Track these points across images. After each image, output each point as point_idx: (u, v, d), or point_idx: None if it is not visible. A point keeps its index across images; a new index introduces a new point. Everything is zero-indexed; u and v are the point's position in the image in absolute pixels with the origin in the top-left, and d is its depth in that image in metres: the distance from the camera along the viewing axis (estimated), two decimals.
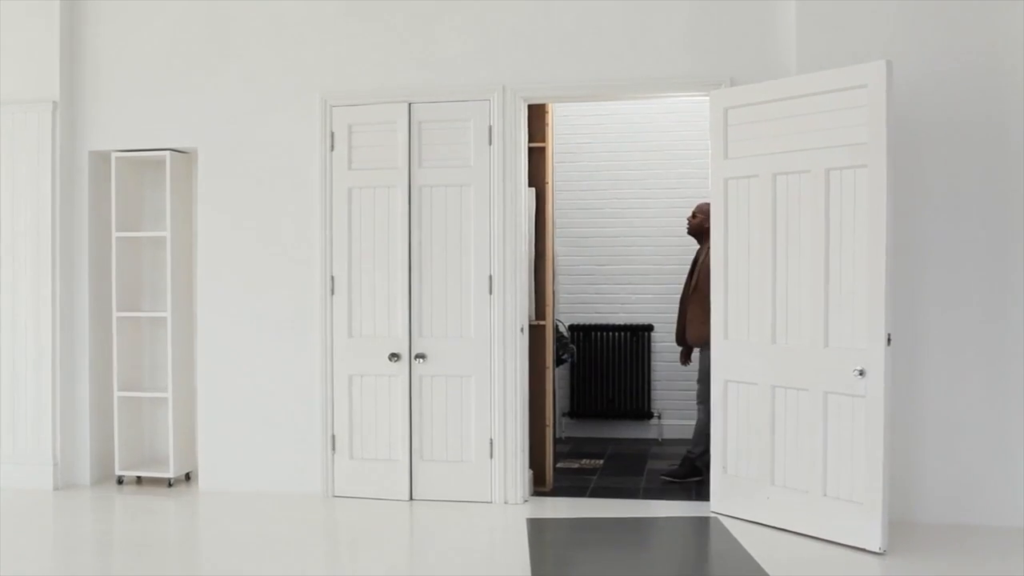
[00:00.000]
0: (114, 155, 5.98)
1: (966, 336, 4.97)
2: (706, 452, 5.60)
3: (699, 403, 6.12)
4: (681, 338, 6.35)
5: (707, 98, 5.35)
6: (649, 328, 7.72)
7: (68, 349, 5.98)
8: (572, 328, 7.77)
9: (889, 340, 4.45)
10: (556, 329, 6.32)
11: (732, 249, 5.13)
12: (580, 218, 7.73)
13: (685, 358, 6.45)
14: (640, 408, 7.73)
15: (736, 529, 4.95)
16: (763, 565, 4.38)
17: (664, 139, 7.70)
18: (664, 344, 7.65)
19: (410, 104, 5.60)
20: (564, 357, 6.94)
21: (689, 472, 6.12)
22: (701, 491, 5.65)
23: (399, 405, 5.63)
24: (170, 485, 5.97)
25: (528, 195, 5.76)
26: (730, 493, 5.17)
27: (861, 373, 4.51)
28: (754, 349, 5.01)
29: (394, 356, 5.61)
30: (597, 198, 7.73)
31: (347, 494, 5.62)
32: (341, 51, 5.72)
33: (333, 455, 5.72)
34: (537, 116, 5.86)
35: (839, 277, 4.65)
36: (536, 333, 5.84)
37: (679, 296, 6.45)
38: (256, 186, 5.82)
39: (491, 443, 5.54)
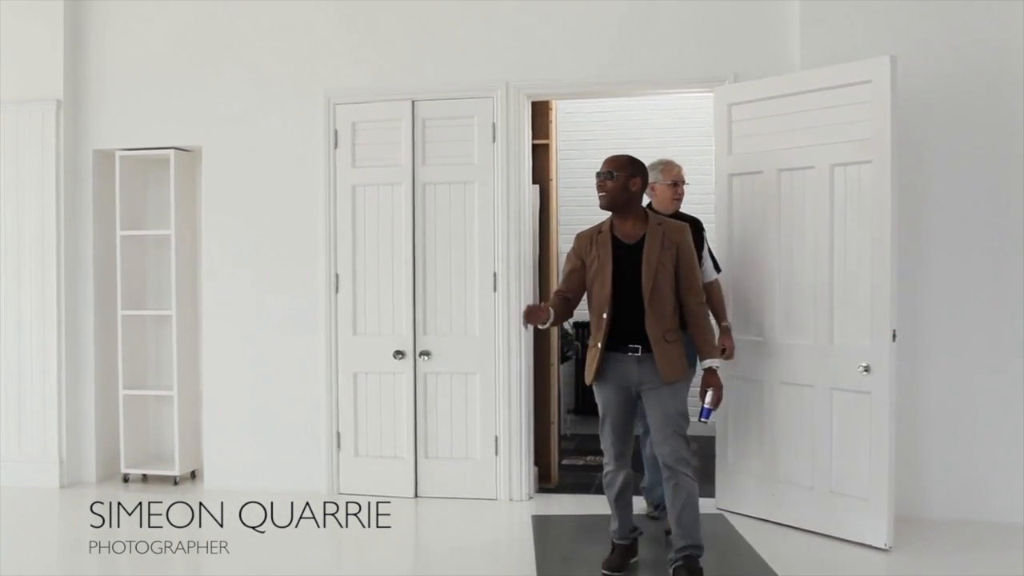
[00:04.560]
0: (118, 154, 5.99)
1: (971, 332, 4.96)
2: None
3: (686, 469, 4.07)
4: (596, 370, 4.23)
5: (711, 94, 5.34)
6: None
7: (73, 347, 5.99)
8: (577, 325, 7.77)
9: (894, 336, 4.45)
10: (561, 327, 6.31)
11: (736, 246, 5.12)
12: (584, 215, 7.67)
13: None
14: None
15: (741, 526, 4.95)
16: (769, 562, 4.38)
17: (667, 135, 7.68)
18: None
19: (413, 101, 5.59)
20: (569, 354, 6.95)
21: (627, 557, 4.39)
22: (706, 488, 5.64)
23: (404, 403, 5.63)
24: (175, 483, 5.98)
25: (532, 192, 5.76)
26: (735, 490, 5.16)
27: (866, 369, 4.50)
28: (759, 346, 5.00)
29: (399, 354, 5.61)
30: None
31: (352, 491, 5.62)
32: (344, 49, 5.72)
33: (338, 453, 5.72)
34: (541, 113, 5.86)
35: (844, 273, 4.65)
36: (541, 330, 5.83)
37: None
38: (260, 184, 5.82)
39: (496, 440, 5.54)
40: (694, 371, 4.34)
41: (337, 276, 5.71)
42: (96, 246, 6.04)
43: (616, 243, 4.16)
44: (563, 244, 7.07)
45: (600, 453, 6.97)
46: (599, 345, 4.16)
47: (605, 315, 4.12)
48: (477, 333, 5.56)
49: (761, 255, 5.00)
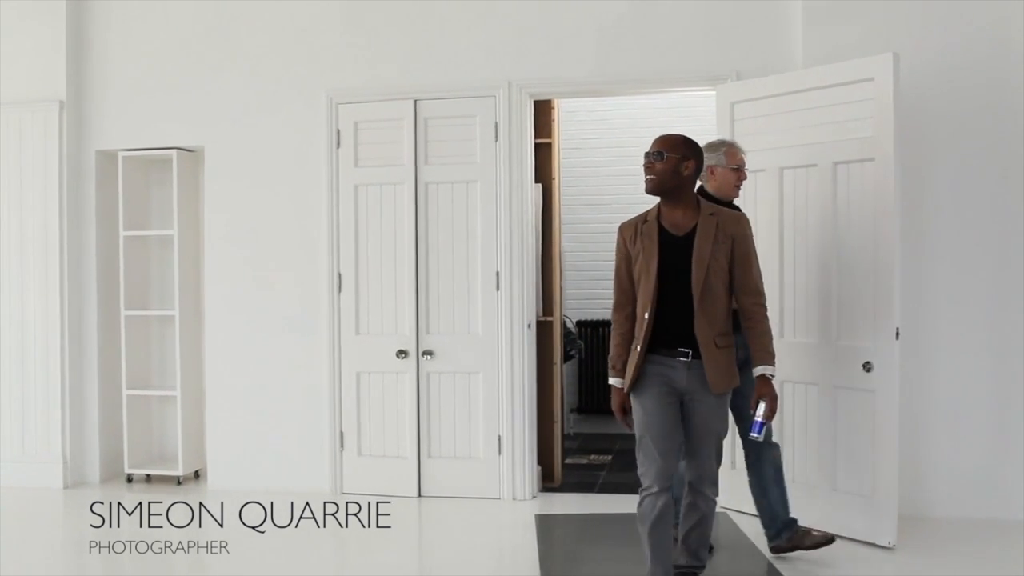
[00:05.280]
0: (121, 154, 5.99)
1: (973, 329, 4.95)
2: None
3: (709, 491, 3.83)
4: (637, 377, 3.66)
5: (713, 93, 5.33)
6: None
7: (77, 348, 6.00)
8: (580, 324, 7.77)
9: (897, 334, 4.44)
10: (564, 325, 6.31)
11: None
12: (587, 213, 7.72)
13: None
14: None
15: (745, 524, 4.94)
16: (772, 560, 4.37)
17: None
18: None
19: (416, 101, 5.59)
20: (572, 353, 6.94)
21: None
22: None
23: (407, 402, 5.63)
24: (179, 483, 5.98)
25: (535, 191, 5.75)
26: (739, 488, 5.14)
27: (869, 368, 4.49)
28: None
29: (401, 353, 5.61)
30: (604, 193, 7.72)
31: (356, 491, 5.62)
32: (346, 48, 5.71)
33: (341, 452, 5.72)
34: (543, 112, 5.85)
35: (847, 271, 4.64)
36: (544, 329, 5.84)
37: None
38: (262, 184, 5.83)
39: (499, 439, 5.54)
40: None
41: (340, 276, 5.71)
42: (99, 247, 6.04)
43: (663, 234, 3.65)
44: (566, 243, 7.10)
45: (604, 451, 7.01)
46: (639, 348, 3.65)
47: (647, 314, 3.62)
48: (480, 332, 5.56)
49: (764, 253, 4.96)
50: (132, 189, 6.07)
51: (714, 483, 3.79)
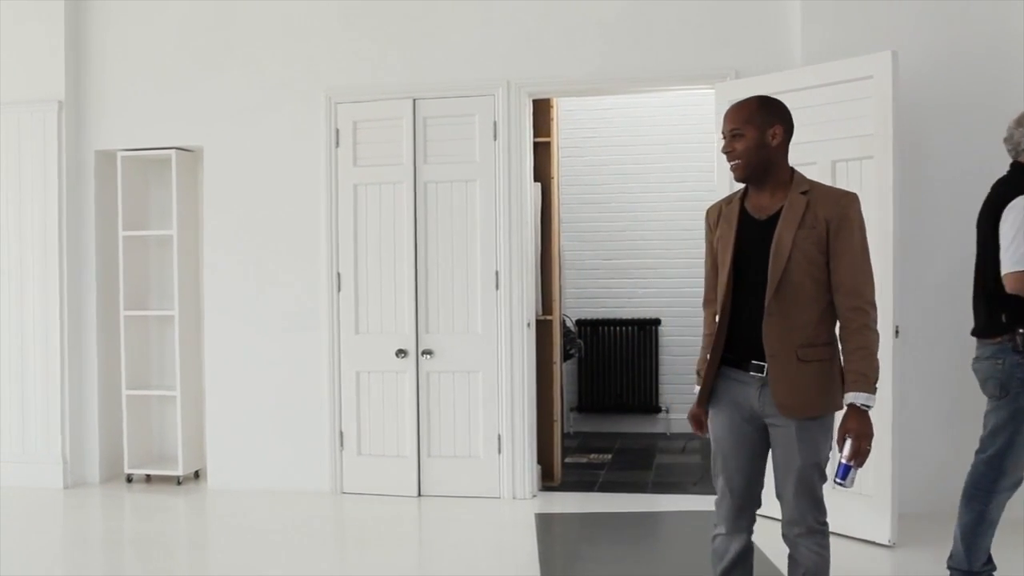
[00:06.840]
0: (120, 154, 5.99)
1: (972, 326, 4.94)
2: None
3: (808, 542, 3.02)
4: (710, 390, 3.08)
5: (712, 91, 5.33)
6: (656, 322, 7.71)
7: (76, 348, 5.99)
8: (579, 323, 7.76)
9: (897, 333, 4.43)
10: (563, 324, 6.30)
11: None
12: (586, 212, 7.72)
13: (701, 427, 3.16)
14: (648, 402, 7.73)
15: None
16: (771, 558, 4.37)
17: (669, 132, 7.67)
18: (671, 338, 7.65)
19: (415, 100, 5.59)
20: (571, 352, 6.93)
21: None
22: (708, 485, 5.63)
23: (407, 401, 5.63)
24: (179, 483, 5.98)
25: (534, 190, 5.75)
26: None
27: None
28: None
29: (401, 352, 5.61)
30: (603, 192, 7.72)
31: (356, 490, 5.62)
32: (345, 48, 5.71)
33: (341, 452, 5.72)
34: (542, 111, 5.85)
35: None
36: (543, 328, 5.84)
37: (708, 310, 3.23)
38: (262, 183, 5.83)
39: (499, 438, 5.54)
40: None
41: (339, 275, 5.71)
42: (98, 247, 6.04)
43: (744, 217, 3.03)
44: (565, 242, 7.09)
45: (604, 450, 7.01)
46: (709, 357, 3.06)
47: (719, 317, 3.02)
48: (479, 331, 5.56)
49: None
50: (131, 189, 6.07)
51: (815, 530, 3.02)
